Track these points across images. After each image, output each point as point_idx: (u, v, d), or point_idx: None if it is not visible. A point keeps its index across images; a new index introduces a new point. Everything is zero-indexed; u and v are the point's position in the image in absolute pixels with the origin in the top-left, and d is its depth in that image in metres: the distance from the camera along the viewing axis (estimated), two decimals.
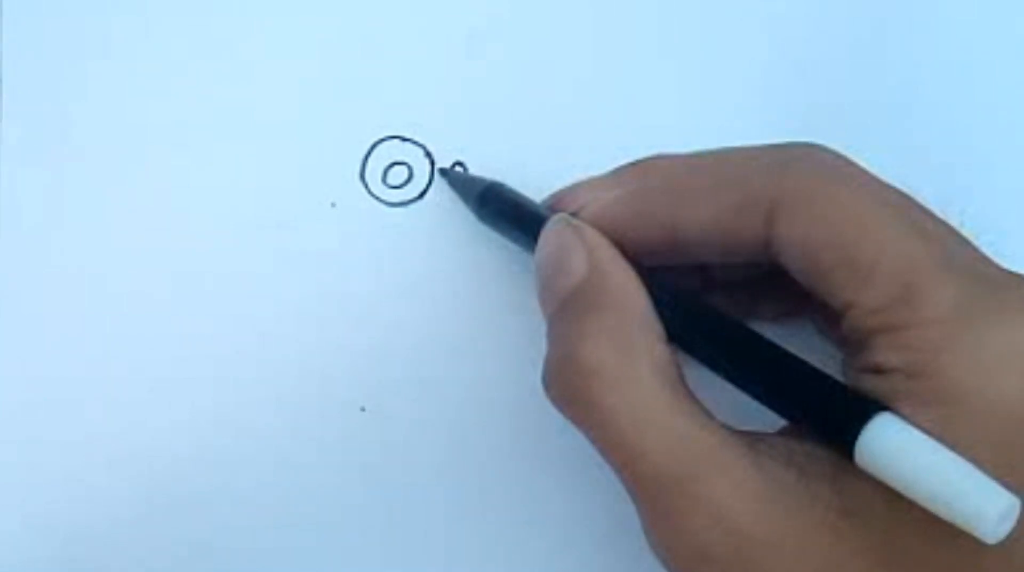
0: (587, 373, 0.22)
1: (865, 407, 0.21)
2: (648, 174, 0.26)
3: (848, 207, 0.22)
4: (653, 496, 0.22)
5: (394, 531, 0.29)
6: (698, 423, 0.22)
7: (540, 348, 0.28)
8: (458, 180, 0.30)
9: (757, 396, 0.23)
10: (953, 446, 0.20)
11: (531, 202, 0.28)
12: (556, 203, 0.27)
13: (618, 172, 0.27)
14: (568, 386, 0.23)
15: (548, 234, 0.25)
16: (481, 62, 0.32)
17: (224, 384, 0.30)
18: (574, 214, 0.26)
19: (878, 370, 0.21)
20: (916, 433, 0.20)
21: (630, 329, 0.23)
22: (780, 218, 0.22)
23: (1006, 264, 0.23)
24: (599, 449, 0.23)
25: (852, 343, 0.22)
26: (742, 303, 0.27)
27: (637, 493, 0.22)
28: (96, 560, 0.29)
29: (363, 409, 0.30)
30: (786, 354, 0.23)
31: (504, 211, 0.28)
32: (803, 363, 0.22)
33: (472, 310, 0.30)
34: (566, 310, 0.24)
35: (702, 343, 0.24)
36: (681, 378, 0.23)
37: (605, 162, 0.27)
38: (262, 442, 0.29)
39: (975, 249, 0.23)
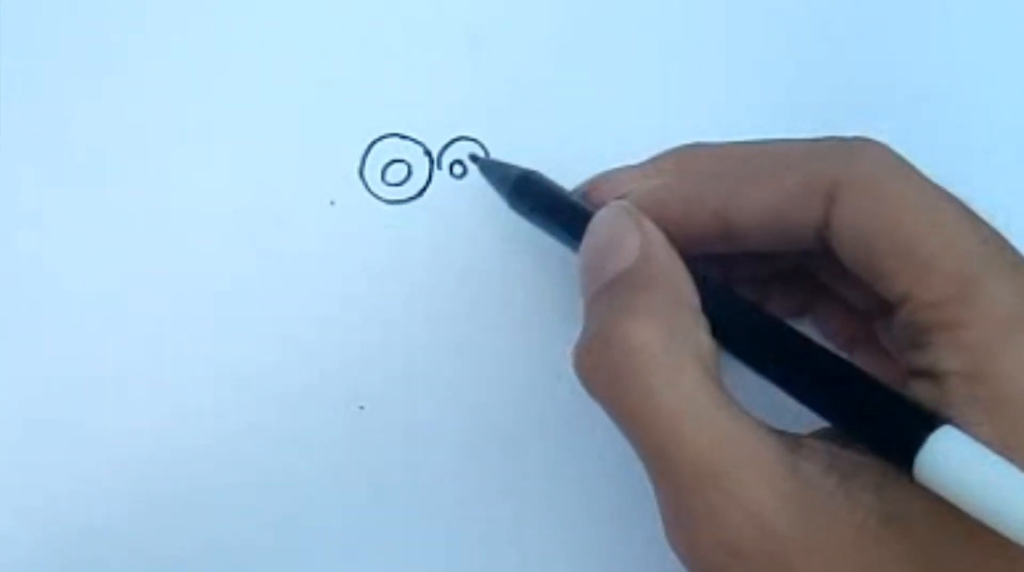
0: (631, 350, 0.22)
1: (925, 419, 0.20)
2: (695, 160, 0.25)
3: (909, 197, 0.22)
4: (685, 485, 0.21)
5: (393, 530, 0.29)
6: (739, 419, 0.21)
7: (540, 346, 0.28)
8: (491, 167, 0.30)
9: (808, 403, 0.22)
10: (1016, 454, 0.19)
11: (567, 192, 0.27)
12: (591, 190, 0.27)
13: (655, 160, 0.26)
14: (607, 363, 0.22)
15: (603, 217, 0.25)
16: (481, 60, 0.32)
17: (223, 382, 0.30)
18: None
19: (933, 374, 0.21)
20: (979, 447, 0.19)
21: (678, 314, 0.22)
22: (840, 201, 0.22)
23: None
24: (630, 433, 0.22)
25: (903, 340, 0.22)
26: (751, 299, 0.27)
27: (667, 480, 0.22)
28: (96, 560, 0.29)
29: (362, 408, 0.30)
30: (840, 360, 0.22)
31: (540, 200, 0.27)
32: (857, 370, 0.22)
33: (471, 308, 0.30)
34: (612, 289, 0.23)
35: (752, 344, 0.23)
36: (719, 376, 0.22)
37: (605, 160, 0.27)
38: (260, 440, 0.29)
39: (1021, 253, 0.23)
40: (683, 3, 0.32)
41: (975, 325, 0.20)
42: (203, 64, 0.32)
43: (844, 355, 0.27)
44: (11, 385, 0.30)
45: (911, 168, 0.23)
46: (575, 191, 0.27)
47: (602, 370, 0.22)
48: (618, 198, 0.25)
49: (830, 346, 0.27)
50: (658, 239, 0.24)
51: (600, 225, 0.25)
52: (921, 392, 0.21)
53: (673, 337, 0.22)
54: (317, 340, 0.30)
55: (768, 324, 0.23)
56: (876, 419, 0.21)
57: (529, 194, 0.28)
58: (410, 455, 0.29)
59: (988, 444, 0.19)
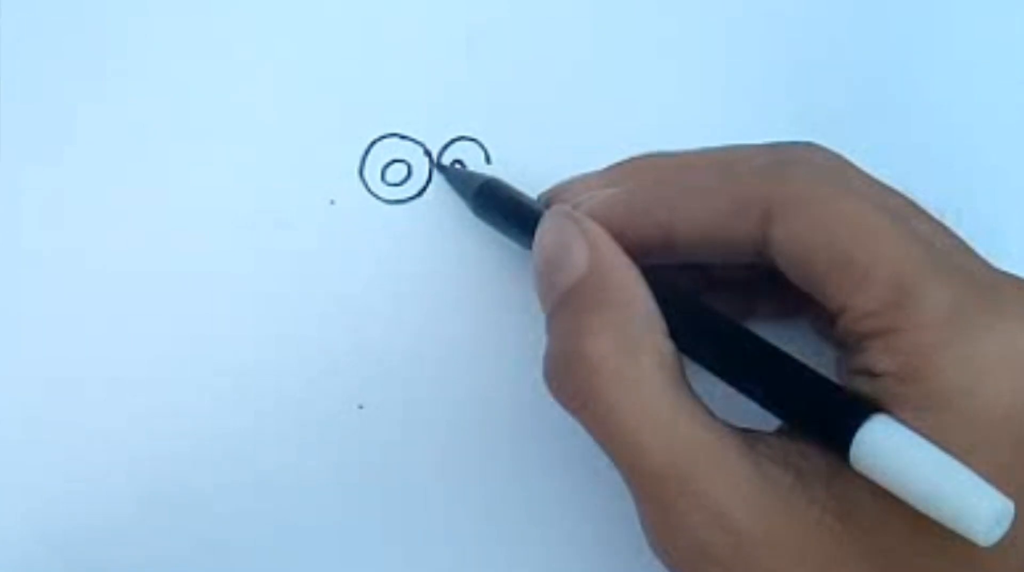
0: (590, 369, 0.22)
1: (860, 408, 0.21)
2: (643, 172, 0.26)
3: (843, 210, 0.22)
4: (654, 493, 0.22)
5: (392, 528, 0.29)
6: (700, 421, 0.22)
7: (538, 346, 0.28)
8: (455, 176, 0.30)
9: (752, 396, 0.23)
10: (947, 450, 0.20)
11: (527, 198, 0.28)
12: (552, 199, 0.27)
13: (613, 169, 0.27)
14: (570, 381, 0.23)
15: (547, 226, 0.25)
16: (481, 60, 0.32)
17: (221, 381, 0.30)
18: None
19: (871, 373, 0.21)
20: (910, 435, 0.20)
21: (633, 325, 0.23)
22: (775, 220, 0.22)
23: (1002, 264, 0.23)
24: (601, 445, 0.23)
25: (846, 345, 0.22)
26: (739, 303, 0.27)
27: (638, 489, 0.22)
28: (95, 559, 0.29)
29: (361, 407, 0.30)
30: (782, 355, 0.23)
31: (500, 207, 0.28)
32: (798, 364, 0.22)
33: (470, 307, 0.30)
34: (567, 305, 0.24)
35: (698, 342, 0.24)
36: (683, 376, 0.23)
37: (604, 160, 0.27)
38: (260, 440, 0.29)
39: (971, 251, 0.23)
40: (682, 3, 0.32)
41: (910, 330, 0.21)
42: (203, 64, 0.32)
43: (837, 353, 0.27)
44: (11, 385, 0.30)
45: (846, 174, 0.23)
46: (539, 198, 0.28)
47: (567, 388, 0.23)
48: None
49: (824, 344, 0.27)
50: (606, 245, 0.24)
51: (546, 234, 0.25)
52: (860, 389, 0.21)
53: (629, 349, 0.22)
54: (316, 339, 0.30)
55: (716, 323, 0.24)
56: (816, 410, 0.22)
57: (490, 202, 0.29)
58: (409, 454, 0.29)
59: (921, 435, 0.20)
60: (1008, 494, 0.19)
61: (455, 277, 0.30)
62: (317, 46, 0.32)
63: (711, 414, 0.22)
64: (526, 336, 0.30)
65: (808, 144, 0.24)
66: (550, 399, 0.29)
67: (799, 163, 0.23)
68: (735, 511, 0.21)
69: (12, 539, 0.29)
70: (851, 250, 0.21)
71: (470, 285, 0.30)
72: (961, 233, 0.23)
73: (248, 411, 0.29)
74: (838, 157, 0.24)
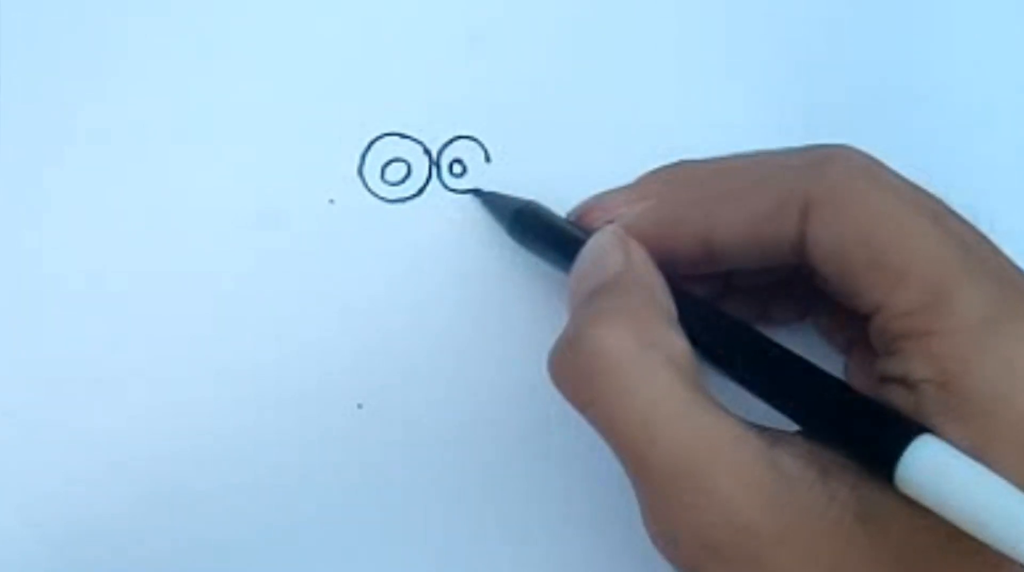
0: (599, 352, 0.22)
1: (902, 429, 0.20)
2: (676, 182, 0.26)
3: (882, 209, 0.22)
4: (659, 486, 0.21)
5: (391, 527, 0.29)
6: (712, 416, 0.21)
7: (538, 345, 0.28)
8: (491, 200, 0.30)
9: (791, 415, 0.22)
10: (988, 459, 0.19)
11: (563, 221, 0.28)
12: (582, 216, 0.27)
13: (643, 182, 0.27)
14: (576, 366, 0.22)
15: (593, 241, 0.25)
16: (481, 59, 0.32)
17: (221, 381, 0.30)
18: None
19: (906, 382, 0.21)
20: (958, 455, 0.19)
21: (650, 319, 0.23)
22: (814, 217, 0.23)
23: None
24: (604, 434, 0.22)
25: (879, 348, 0.22)
26: (754, 308, 0.28)
27: (642, 482, 0.22)
28: (93, 559, 0.29)
29: (360, 406, 0.30)
30: (819, 371, 0.22)
31: (538, 231, 0.28)
32: (836, 380, 0.22)
33: (470, 307, 0.30)
34: (595, 297, 0.24)
35: (733, 358, 0.24)
36: (697, 375, 0.22)
37: (603, 159, 0.28)
38: (259, 439, 0.29)
39: (1002, 254, 0.23)
40: (683, 3, 0.32)
41: (946, 334, 0.20)
42: (202, 63, 0.32)
43: (842, 357, 0.27)
44: (10, 385, 0.30)
45: (883, 174, 0.23)
46: (569, 215, 0.28)
47: (572, 373, 0.23)
48: (608, 222, 0.26)
49: (830, 348, 0.27)
50: (639, 255, 0.24)
51: (588, 248, 0.25)
52: (894, 399, 0.21)
53: (644, 340, 0.22)
54: (315, 338, 0.30)
55: (748, 337, 0.24)
56: (855, 430, 0.21)
57: (528, 225, 0.28)
58: (408, 453, 0.29)
59: (961, 448, 0.19)
60: None
61: (454, 276, 0.30)
62: (316, 45, 0.32)
63: (726, 410, 0.22)
64: (525, 335, 0.30)
65: (841, 146, 0.24)
66: (549, 398, 0.29)
67: (835, 162, 0.23)
68: (746, 508, 0.21)
69: (12, 538, 0.29)
70: (888, 248, 0.21)
71: (469, 284, 0.30)
72: (992, 239, 0.23)
73: (247, 410, 0.29)
74: (872, 157, 0.24)
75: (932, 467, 0.19)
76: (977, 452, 0.19)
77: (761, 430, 0.22)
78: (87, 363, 0.30)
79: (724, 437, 0.21)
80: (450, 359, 0.30)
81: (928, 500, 0.19)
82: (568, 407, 0.29)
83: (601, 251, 0.25)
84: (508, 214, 0.29)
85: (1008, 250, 0.23)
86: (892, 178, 0.23)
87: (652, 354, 0.22)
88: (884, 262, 0.21)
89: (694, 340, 0.23)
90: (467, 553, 0.29)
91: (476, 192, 0.30)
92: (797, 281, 0.27)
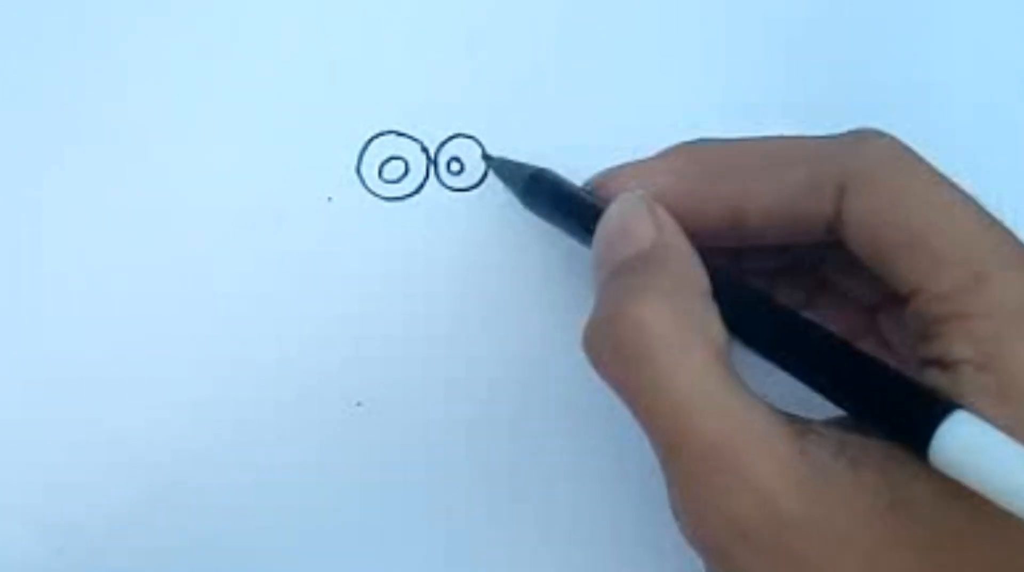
0: (639, 329, 0.22)
1: (938, 405, 0.20)
2: (703, 156, 0.25)
3: (921, 191, 0.22)
4: (694, 470, 0.21)
5: (389, 525, 0.29)
6: (748, 402, 0.21)
7: (536, 343, 0.28)
8: (503, 166, 0.30)
9: (821, 389, 0.22)
10: None
11: (578, 188, 0.27)
12: (599, 186, 0.27)
13: (666, 155, 0.26)
14: (615, 342, 0.22)
15: (617, 206, 0.25)
16: (478, 57, 0.32)
17: (220, 379, 0.30)
18: None
19: (944, 363, 0.21)
20: (993, 432, 0.19)
21: (688, 297, 0.23)
22: (851, 194, 0.23)
23: None
24: (638, 413, 0.22)
25: (916, 332, 0.22)
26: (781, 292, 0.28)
27: (676, 464, 0.22)
28: (92, 558, 0.29)
29: (359, 404, 0.30)
30: (852, 347, 0.22)
31: (552, 197, 0.28)
32: (869, 357, 0.22)
33: (468, 304, 0.30)
34: (623, 272, 0.23)
35: (765, 333, 0.23)
36: (731, 360, 0.22)
37: (601, 158, 0.27)
38: (258, 437, 0.29)
39: None
40: (681, 3, 0.32)
41: (986, 315, 0.21)
42: (200, 61, 0.32)
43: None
44: (11, 384, 0.30)
45: (920, 160, 0.23)
46: (586, 185, 0.27)
47: (611, 349, 0.22)
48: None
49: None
50: (671, 226, 0.24)
51: (614, 213, 0.25)
52: (932, 381, 0.21)
53: (682, 319, 0.22)
54: (314, 337, 0.30)
55: (780, 313, 0.24)
56: (890, 405, 0.21)
57: (541, 192, 0.28)
58: (407, 452, 0.29)
59: (999, 428, 0.19)
60: None
61: (452, 274, 0.30)
62: (313, 43, 0.32)
63: (758, 397, 0.22)
64: (524, 333, 0.30)
65: (878, 130, 0.24)
66: (550, 396, 0.29)
67: (872, 142, 0.23)
68: (779, 492, 0.20)
69: (12, 538, 0.29)
70: (927, 230, 0.22)
71: (467, 282, 0.30)
72: None
73: (246, 409, 0.30)
74: (903, 143, 0.24)
75: (967, 443, 0.19)
76: (1016, 432, 0.19)
77: (790, 418, 0.22)
78: (87, 363, 0.30)
79: (759, 423, 0.21)
80: (449, 357, 0.30)
81: (963, 477, 0.19)
82: (567, 406, 0.29)
83: (630, 218, 0.24)
84: (521, 180, 0.28)
85: None
86: (927, 164, 0.23)
87: (690, 336, 0.22)
88: (923, 244, 0.21)
89: (727, 317, 0.23)
90: (466, 551, 0.29)
91: (487, 158, 0.30)
92: (803, 269, 0.27)
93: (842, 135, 0.24)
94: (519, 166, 0.29)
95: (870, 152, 0.23)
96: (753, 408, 0.21)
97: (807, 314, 0.26)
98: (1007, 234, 0.22)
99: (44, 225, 0.31)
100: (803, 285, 0.28)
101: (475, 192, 0.31)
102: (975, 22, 0.32)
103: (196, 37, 0.32)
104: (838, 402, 0.22)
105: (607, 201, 0.25)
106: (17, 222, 0.31)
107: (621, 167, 0.26)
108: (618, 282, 0.23)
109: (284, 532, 0.29)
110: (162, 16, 0.32)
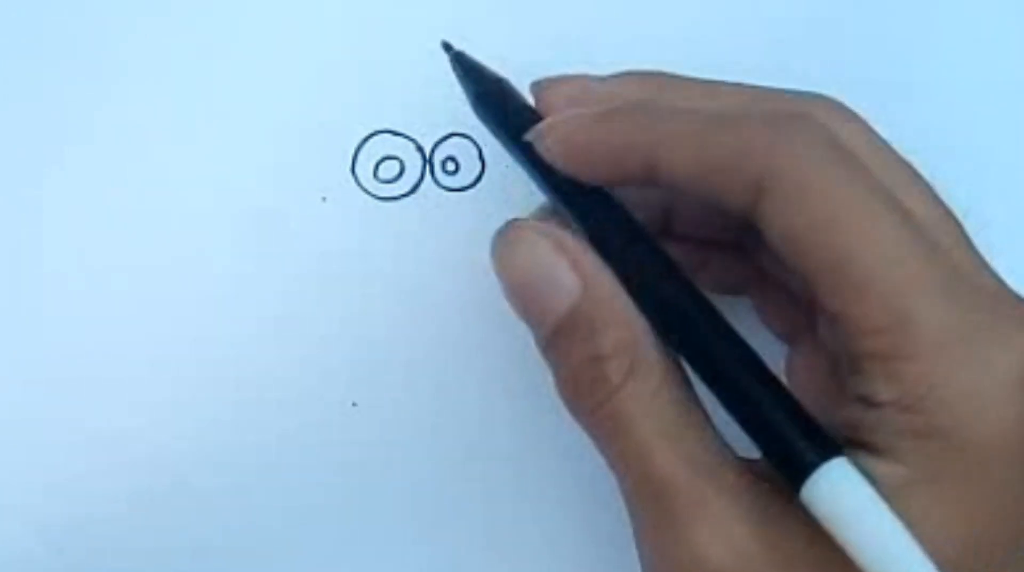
0: (611, 393, 0.22)
1: (825, 447, 0.20)
2: (637, 91, 0.24)
3: (844, 204, 0.20)
4: (661, 506, 0.21)
5: (385, 525, 0.29)
6: (708, 437, 0.22)
7: (532, 343, 0.28)
8: (465, 63, 0.27)
9: (725, 404, 0.22)
10: (942, 484, 0.19)
11: (532, 108, 0.26)
12: (541, 92, 0.25)
13: (612, 82, 0.25)
14: (594, 406, 0.22)
15: (512, 243, 0.24)
16: (476, 56, 0.32)
17: (215, 379, 0.30)
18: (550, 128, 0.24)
19: (871, 401, 0.20)
20: (868, 490, 0.19)
21: (642, 344, 0.22)
22: (767, 196, 0.21)
23: (1004, 259, 0.23)
24: (611, 459, 0.23)
25: (842, 358, 0.22)
26: (691, 261, 0.26)
27: (644, 502, 0.22)
28: (90, 558, 0.29)
29: (354, 404, 0.30)
30: (762, 369, 0.22)
31: (501, 108, 0.26)
32: (779, 383, 0.21)
33: (464, 305, 0.30)
34: (569, 332, 0.23)
35: (682, 339, 0.23)
36: (692, 389, 0.23)
37: None
38: (253, 437, 0.29)
39: (977, 255, 0.22)
40: (680, 3, 0.32)
41: (911, 357, 0.20)
42: (195, 61, 0.32)
43: (783, 342, 0.26)
44: (11, 384, 0.30)
45: (859, 143, 0.22)
46: (531, 87, 0.26)
47: (587, 409, 0.23)
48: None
49: (770, 333, 0.26)
50: (591, 265, 0.23)
51: (520, 257, 0.23)
52: (857, 415, 0.21)
53: (642, 369, 0.22)
54: (309, 336, 0.30)
55: (699, 319, 0.22)
56: (779, 438, 0.21)
57: (492, 103, 0.26)
58: (403, 452, 0.29)
59: (913, 478, 0.20)
60: (1006, 526, 0.19)
61: (448, 274, 0.30)
62: (307, 42, 0.32)
63: (717, 432, 0.22)
64: (519, 333, 0.30)
65: (826, 101, 0.23)
66: (543, 396, 0.29)
67: (805, 128, 0.21)
68: (737, 529, 0.21)
69: (12, 538, 0.29)
70: (850, 255, 0.20)
71: (463, 282, 0.30)
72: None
73: (241, 409, 0.30)
74: (855, 118, 0.23)
75: (839, 493, 0.19)
76: (932, 478, 0.19)
77: (739, 457, 0.22)
78: (84, 362, 0.30)
79: (715, 460, 0.21)
80: (444, 357, 0.30)
81: (825, 520, 0.19)
82: (565, 406, 0.29)
83: (546, 270, 0.23)
84: (476, 84, 0.27)
85: (997, 244, 0.23)
86: (868, 149, 0.22)
87: (652, 381, 0.22)
88: (844, 269, 0.20)
89: (647, 311, 0.22)
90: (462, 552, 0.29)
91: (447, 47, 0.28)
92: (738, 250, 0.26)
93: (777, 101, 0.23)
94: (481, 71, 0.27)
95: (797, 142, 0.21)
96: (712, 443, 0.22)
97: (746, 299, 0.26)
98: (933, 253, 0.20)
99: (43, 225, 0.31)
100: (737, 267, 0.26)
101: (471, 192, 0.31)
102: (967, 17, 0.32)
103: (192, 38, 0.32)
104: (739, 422, 0.22)
105: (544, 109, 0.25)
106: (17, 222, 0.31)
107: (564, 80, 0.25)
108: (567, 345, 0.23)
109: (281, 532, 0.29)
110: (158, 17, 0.32)
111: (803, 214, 0.20)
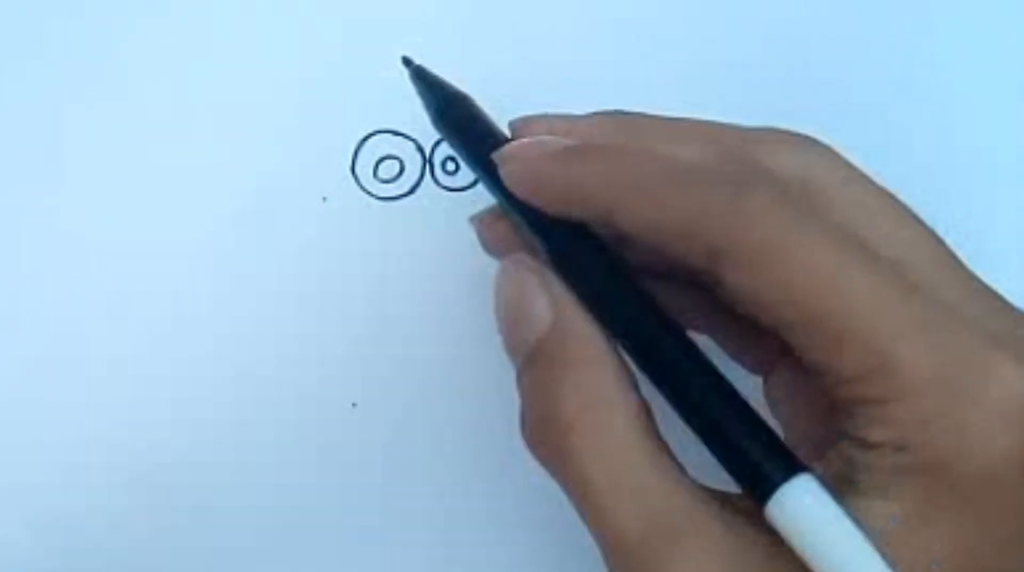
0: (563, 431, 0.21)
1: (788, 465, 0.20)
2: (610, 137, 0.24)
3: (806, 265, 0.20)
4: (626, 557, 0.21)
5: (384, 526, 0.29)
6: (673, 481, 0.21)
7: None
8: (426, 81, 0.27)
9: (689, 423, 0.22)
10: (934, 517, 0.19)
11: (492, 124, 0.26)
12: (517, 132, 0.25)
13: (583, 121, 0.25)
14: (546, 443, 0.22)
15: (506, 277, 0.24)
16: (475, 55, 0.32)
17: (215, 379, 0.30)
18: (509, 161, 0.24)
19: (865, 443, 0.20)
20: (831, 503, 0.19)
21: (603, 384, 0.22)
22: (726, 261, 0.20)
23: (985, 266, 0.22)
24: (575, 507, 0.22)
25: (831, 404, 0.21)
26: (666, 301, 0.25)
27: (609, 555, 0.21)
28: (92, 557, 0.29)
29: (354, 405, 0.30)
30: (729, 388, 0.21)
31: (463, 124, 0.26)
32: (744, 403, 0.21)
33: (463, 305, 0.30)
34: (535, 363, 0.23)
35: (647, 358, 0.22)
36: (657, 432, 0.22)
37: None
38: (253, 437, 0.30)
39: (960, 276, 0.22)
40: (679, 3, 0.32)
41: (898, 399, 0.19)
42: (195, 60, 0.32)
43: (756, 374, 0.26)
44: (10, 384, 0.30)
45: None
46: (509, 124, 0.26)
47: (544, 448, 0.22)
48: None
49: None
50: (565, 299, 0.23)
51: (506, 287, 0.23)
52: (847, 454, 0.20)
53: (600, 412, 0.21)
54: (310, 337, 0.30)
55: (663, 339, 0.22)
56: (744, 455, 0.21)
57: (453, 117, 0.26)
58: (403, 452, 0.29)
59: (908, 515, 0.19)
60: (1007, 555, 0.19)
61: (447, 274, 0.30)
62: (309, 42, 0.32)
63: (684, 471, 0.22)
64: None
65: (793, 136, 0.23)
66: None
67: (763, 187, 0.21)
68: (709, 569, 0.20)
69: (12, 538, 0.29)
70: (821, 309, 0.20)
71: (463, 282, 0.30)
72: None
73: (241, 408, 0.30)
74: (825, 151, 0.22)
75: (805, 509, 0.19)
76: (923, 517, 0.19)
77: (714, 492, 0.21)
78: (83, 362, 0.30)
79: (685, 502, 0.21)
80: (444, 357, 0.30)
81: (790, 538, 0.19)
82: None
83: (523, 297, 0.23)
84: (436, 100, 0.27)
85: (997, 243, 0.23)
86: (839, 181, 0.22)
87: (611, 424, 0.21)
88: (818, 323, 0.20)
89: (613, 329, 0.22)
90: (462, 552, 0.29)
91: (408, 62, 0.27)
92: (699, 289, 0.24)
93: (746, 148, 0.22)
94: (443, 86, 0.27)
95: (756, 204, 0.20)
96: (679, 485, 0.21)
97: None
98: (909, 293, 0.20)
99: (42, 226, 0.31)
100: (697, 303, 0.25)
101: (470, 191, 0.31)
102: (960, 19, 0.32)
103: (192, 38, 0.32)
104: (702, 438, 0.21)
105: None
106: (17, 222, 0.31)
107: (539, 118, 0.25)
108: (531, 377, 0.23)
109: (281, 532, 0.29)
110: (158, 17, 0.32)
111: (763, 277, 0.20)
